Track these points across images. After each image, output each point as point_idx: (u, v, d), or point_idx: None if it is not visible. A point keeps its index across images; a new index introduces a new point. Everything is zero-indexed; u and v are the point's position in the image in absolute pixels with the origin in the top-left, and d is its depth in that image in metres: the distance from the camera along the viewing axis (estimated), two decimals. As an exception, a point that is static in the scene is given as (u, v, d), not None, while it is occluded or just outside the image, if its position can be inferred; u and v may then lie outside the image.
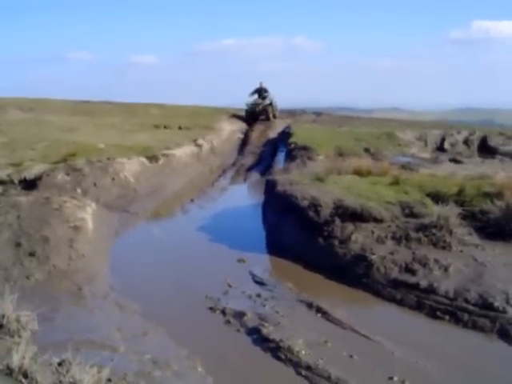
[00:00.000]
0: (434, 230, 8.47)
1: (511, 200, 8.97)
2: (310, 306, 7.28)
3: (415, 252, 8.10)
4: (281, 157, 19.43)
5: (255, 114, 26.96)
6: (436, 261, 7.75)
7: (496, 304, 6.63)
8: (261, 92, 27.67)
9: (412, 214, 9.17)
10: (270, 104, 27.16)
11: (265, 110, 26.90)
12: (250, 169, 19.26)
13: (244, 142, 23.73)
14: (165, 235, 11.04)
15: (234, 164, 20.45)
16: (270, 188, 11.89)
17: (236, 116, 28.06)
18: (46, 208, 9.79)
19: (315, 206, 9.62)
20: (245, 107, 27.84)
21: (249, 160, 20.68)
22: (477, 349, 6.19)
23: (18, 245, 8.47)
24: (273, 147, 22.19)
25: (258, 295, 7.68)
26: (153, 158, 15.66)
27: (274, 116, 27.27)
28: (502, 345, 6.21)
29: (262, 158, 20.71)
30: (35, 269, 7.98)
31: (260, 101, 27.16)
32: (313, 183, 11.13)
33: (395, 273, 7.81)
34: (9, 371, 3.57)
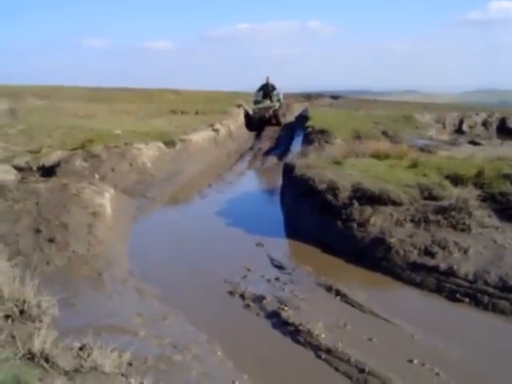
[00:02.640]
0: (453, 213, 8.37)
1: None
2: (329, 289, 7.26)
3: (434, 235, 8.03)
4: (298, 141, 19.38)
5: (265, 119, 23.97)
6: (455, 243, 7.67)
7: (517, 286, 6.58)
8: (268, 89, 24.73)
9: (431, 197, 9.08)
10: (280, 106, 24.42)
11: (275, 115, 23.99)
12: (267, 153, 19.25)
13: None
14: (183, 220, 11.08)
15: (251, 148, 20.47)
16: (288, 172, 11.85)
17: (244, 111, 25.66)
18: (64, 194, 9.82)
19: (333, 189, 9.56)
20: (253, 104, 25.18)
21: (266, 144, 20.69)
22: (497, 331, 6.14)
23: (38, 231, 8.52)
24: (290, 131, 22.13)
25: (277, 279, 7.68)
26: (170, 143, 15.67)
27: (284, 116, 24.86)
28: (523, 327, 6.17)
29: (280, 142, 20.71)
30: (55, 255, 8.03)
31: (268, 102, 24.16)
32: (330, 167, 11.07)
33: (414, 256, 7.76)
34: (30, 356, 3.59)
